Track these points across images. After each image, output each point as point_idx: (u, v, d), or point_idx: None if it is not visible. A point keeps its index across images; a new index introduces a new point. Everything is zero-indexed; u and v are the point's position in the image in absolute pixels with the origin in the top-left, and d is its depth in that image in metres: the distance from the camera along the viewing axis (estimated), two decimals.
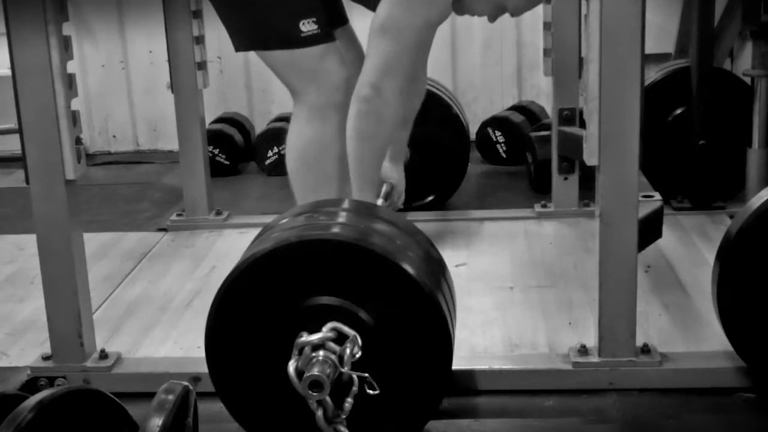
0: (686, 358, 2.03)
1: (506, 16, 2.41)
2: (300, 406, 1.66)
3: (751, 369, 1.95)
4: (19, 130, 1.96)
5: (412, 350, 1.70)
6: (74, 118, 1.96)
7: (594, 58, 1.84)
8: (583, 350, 2.02)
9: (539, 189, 3.37)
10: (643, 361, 1.98)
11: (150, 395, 1.33)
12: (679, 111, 2.99)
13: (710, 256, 2.00)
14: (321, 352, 1.62)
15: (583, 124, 1.96)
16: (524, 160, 3.64)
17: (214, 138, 3.86)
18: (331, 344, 1.63)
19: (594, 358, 2.00)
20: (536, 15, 3.02)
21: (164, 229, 3.12)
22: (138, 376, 2.06)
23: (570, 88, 2.92)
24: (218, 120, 4.14)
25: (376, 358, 1.66)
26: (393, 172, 2.66)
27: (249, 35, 2.43)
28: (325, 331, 1.63)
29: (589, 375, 1.99)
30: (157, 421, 1.26)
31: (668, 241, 2.58)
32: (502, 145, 3.89)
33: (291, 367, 1.62)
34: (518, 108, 4.08)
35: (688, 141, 2.95)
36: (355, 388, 1.63)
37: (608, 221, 1.91)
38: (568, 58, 2.92)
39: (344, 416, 1.64)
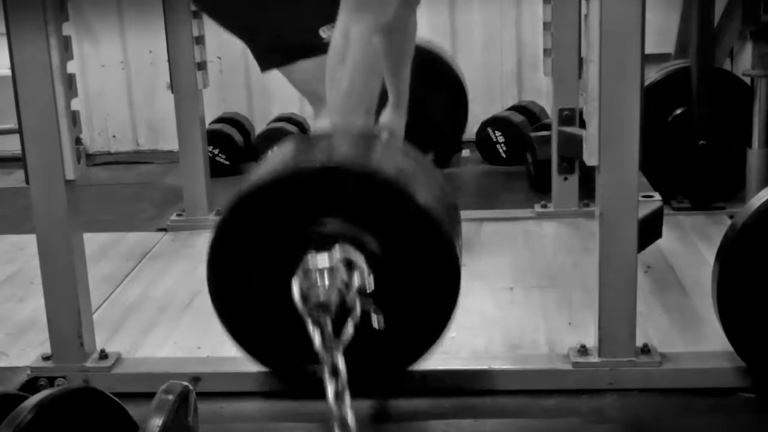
0: (686, 358, 2.03)
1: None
2: (299, 332, 1.58)
3: (751, 369, 1.95)
4: (19, 130, 1.96)
5: (419, 284, 1.62)
6: (74, 118, 1.96)
7: (594, 58, 1.84)
8: (583, 350, 2.02)
9: (539, 189, 3.37)
10: (643, 361, 1.98)
11: (150, 395, 1.33)
12: (679, 111, 2.99)
13: (710, 256, 2.00)
14: (327, 276, 1.55)
15: (583, 124, 1.96)
16: (524, 160, 3.64)
17: (214, 138, 3.86)
18: (341, 268, 1.55)
19: (594, 358, 2.00)
20: (536, 15, 3.02)
21: (164, 230, 3.12)
22: (138, 376, 2.06)
23: (570, 88, 2.92)
24: (218, 120, 4.14)
25: (381, 289, 1.59)
26: (394, 119, 2.62)
27: (272, 53, 2.44)
28: (335, 254, 1.55)
29: (589, 375, 1.99)
30: (157, 421, 1.26)
31: (668, 241, 2.57)
32: (502, 145, 3.89)
33: (295, 286, 1.55)
34: (518, 108, 4.08)
35: (688, 141, 2.95)
36: (357, 317, 1.56)
37: (608, 221, 1.91)
38: (568, 58, 2.92)
39: (342, 345, 1.54)
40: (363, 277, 1.55)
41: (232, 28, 2.48)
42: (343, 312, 1.56)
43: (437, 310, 1.65)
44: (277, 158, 1.70)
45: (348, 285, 1.55)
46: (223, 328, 1.71)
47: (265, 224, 1.62)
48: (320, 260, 1.56)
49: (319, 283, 1.54)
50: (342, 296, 1.54)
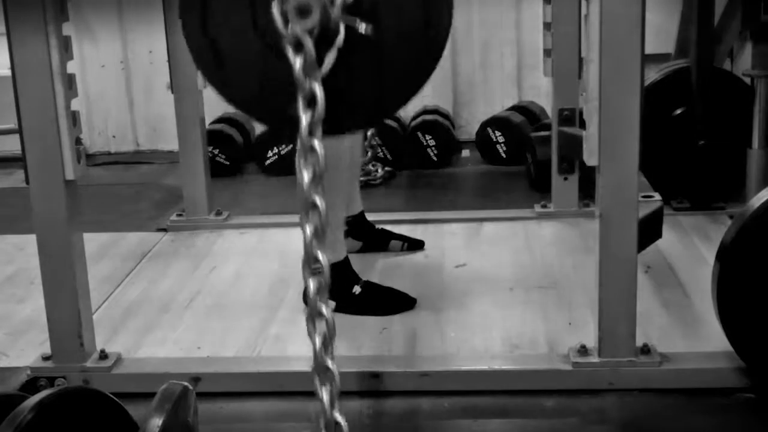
0: (686, 358, 2.03)
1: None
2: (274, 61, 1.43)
3: (750, 369, 1.95)
4: (19, 130, 1.96)
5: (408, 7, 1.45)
6: (74, 118, 1.96)
7: (594, 58, 1.84)
8: (583, 350, 2.02)
9: (539, 189, 3.37)
10: (643, 362, 1.98)
11: (150, 395, 1.33)
12: (679, 111, 2.99)
13: (710, 256, 2.00)
14: None
15: (583, 124, 1.95)
16: (524, 160, 3.64)
17: (214, 138, 3.86)
18: None
19: (594, 359, 2.00)
20: (536, 15, 3.02)
21: (164, 230, 3.12)
22: (138, 376, 2.06)
23: (570, 88, 2.92)
24: (218, 120, 4.14)
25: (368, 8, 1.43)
26: None
27: None
28: None
29: (589, 375, 1.99)
30: (157, 421, 1.26)
31: (668, 241, 2.57)
32: (502, 145, 3.89)
33: (275, 8, 1.38)
34: (518, 108, 4.08)
35: (688, 141, 2.95)
36: (341, 38, 1.39)
37: (608, 221, 1.91)
38: (568, 58, 2.92)
39: (322, 73, 1.38)
40: None
41: None
42: (323, 42, 1.38)
43: (428, 37, 1.48)
44: None
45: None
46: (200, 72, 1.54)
47: None
48: None
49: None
50: (325, 13, 1.37)
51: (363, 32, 1.42)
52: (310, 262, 1.36)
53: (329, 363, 1.41)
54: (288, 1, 1.37)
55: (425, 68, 1.51)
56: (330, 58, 1.39)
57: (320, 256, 1.36)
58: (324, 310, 1.39)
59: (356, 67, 1.45)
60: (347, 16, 1.40)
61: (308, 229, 1.36)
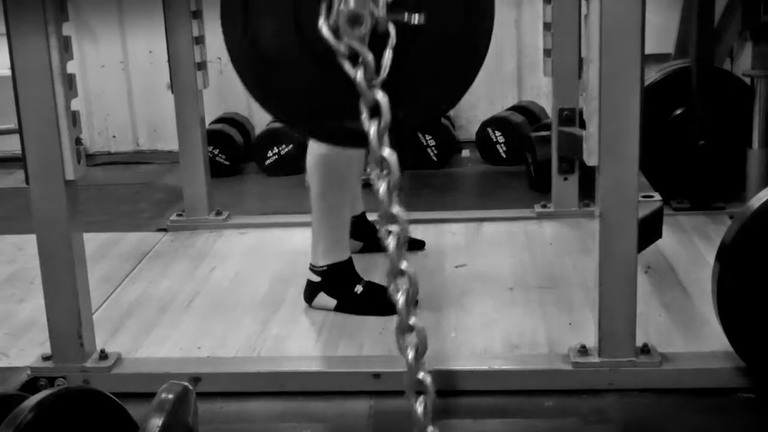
0: (686, 359, 2.03)
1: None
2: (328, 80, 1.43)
3: (751, 369, 1.95)
4: (19, 130, 1.96)
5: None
6: (74, 118, 1.96)
7: (594, 58, 1.84)
8: (583, 350, 2.02)
9: (539, 189, 3.37)
10: (643, 362, 1.98)
11: (150, 395, 1.33)
12: (679, 111, 2.99)
13: (710, 256, 2.00)
14: None
15: (583, 124, 1.95)
16: (524, 160, 3.64)
17: (214, 138, 3.86)
18: None
19: (594, 359, 2.00)
20: (536, 15, 3.02)
21: (164, 230, 3.12)
22: (138, 376, 2.06)
23: (570, 88, 2.92)
24: (218, 120, 4.14)
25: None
26: None
27: None
28: None
29: (589, 375, 1.99)
30: (157, 421, 1.26)
31: (668, 241, 2.58)
32: (502, 145, 3.89)
33: (323, 24, 1.36)
34: (518, 108, 4.08)
35: (688, 141, 2.95)
36: (393, 38, 1.37)
37: (608, 221, 1.91)
38: (568, 58, 2.92)
39: (382, 78, 1.35)
40: None
41: None
42: (376, 46, 1.35)
43: (473, 40, 1.48)
44: None
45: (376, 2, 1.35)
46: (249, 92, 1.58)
47: None
48: None
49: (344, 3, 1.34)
50: (373, 16, 1.35)
51: (415, 23, 1.40)
52: (395, 273, 1.29)
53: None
54: (339, 14, 1.34)
55: (474, 60, 1.50)
56: (387, 60, 1.35)
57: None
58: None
59: (409, 66, 1.42)
60: (394, 14, 1.38)
61: (392, 243, 1.30)
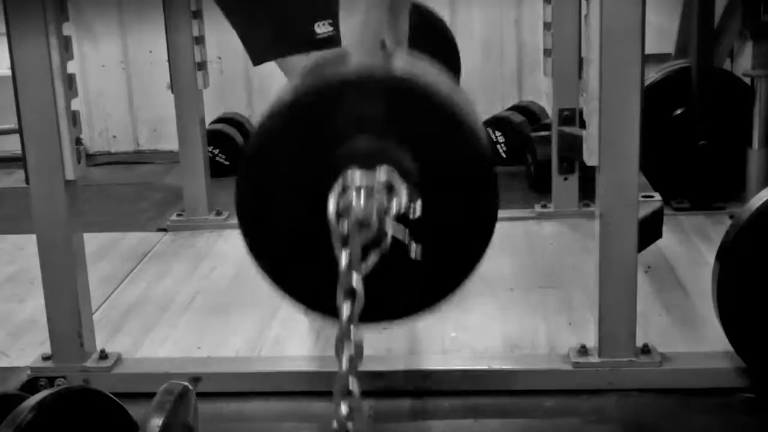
0: (686, 359, 2.03)
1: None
2: (320, 255, 1.46)
3: (751, 369, 1.95)
4: (19, 130, 1.95)
5: (455, 211, 1.49)
6: (74, 118, 1.96)
7: (594, 58, 1.84)
8: (583, 350, 2.02)
9: (539, 189, 3.36)
10: (643, 362, 1.98)
11: (150, 395, 1.33)
12: (679, 111, 2.99)
13: (710, 256, 2.00)
14: (363, 194, 1.41)
15: (583, 124, 1.95)
16: (524, 160, 3.64)
17: (214, 138, 3.86)
18: (381, 188, 1.41)
19: (594, 359, 2.00)
20: (536, 15, 3.02)
21: (164, 230, 3.12)
22: (138, 376, 2.06)
23: (570, 88, 2.92)
24: (218, 120, 4.14)
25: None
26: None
27: (263, 45, 2.42)
28: (378, 174, 1.40)
29: (589, 375, 1.99)
30: (157, 421, 1.26)
31: (668, 241, 2.57)
32: (502, 145, 3.89)
33: (331, 202, 1.40)
34: (518, 108, 4.08)
35: (688, 141, 2.95)
36: (387, 244, 1.41)
37: (608, 221, 1.91)
38: (568, 58, 2.92)
39: (365, 270, 1.40)
40: (403, 203, 1.41)
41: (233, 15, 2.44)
42: (372, 240, 1.41)
43: (471, 243, 1.53)
44: (317, 70, 1.53)
45: (386, 210, 1.41)
46: (251, 251, 1.62)
47: (294, 143, 1.46)
48: (363, 178, 1.41)
49: (357, 201, 1.40)
50: (379, 220, 1.40)
51: (411, 254, 1.44)
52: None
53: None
54: (349, 216, 1.39)
55: (459, 280, 1.55)
56: (372, 260, 1.41)
57: None
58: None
59: (394, 271, 1.45)
60: (397, 227, 1.42)
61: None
